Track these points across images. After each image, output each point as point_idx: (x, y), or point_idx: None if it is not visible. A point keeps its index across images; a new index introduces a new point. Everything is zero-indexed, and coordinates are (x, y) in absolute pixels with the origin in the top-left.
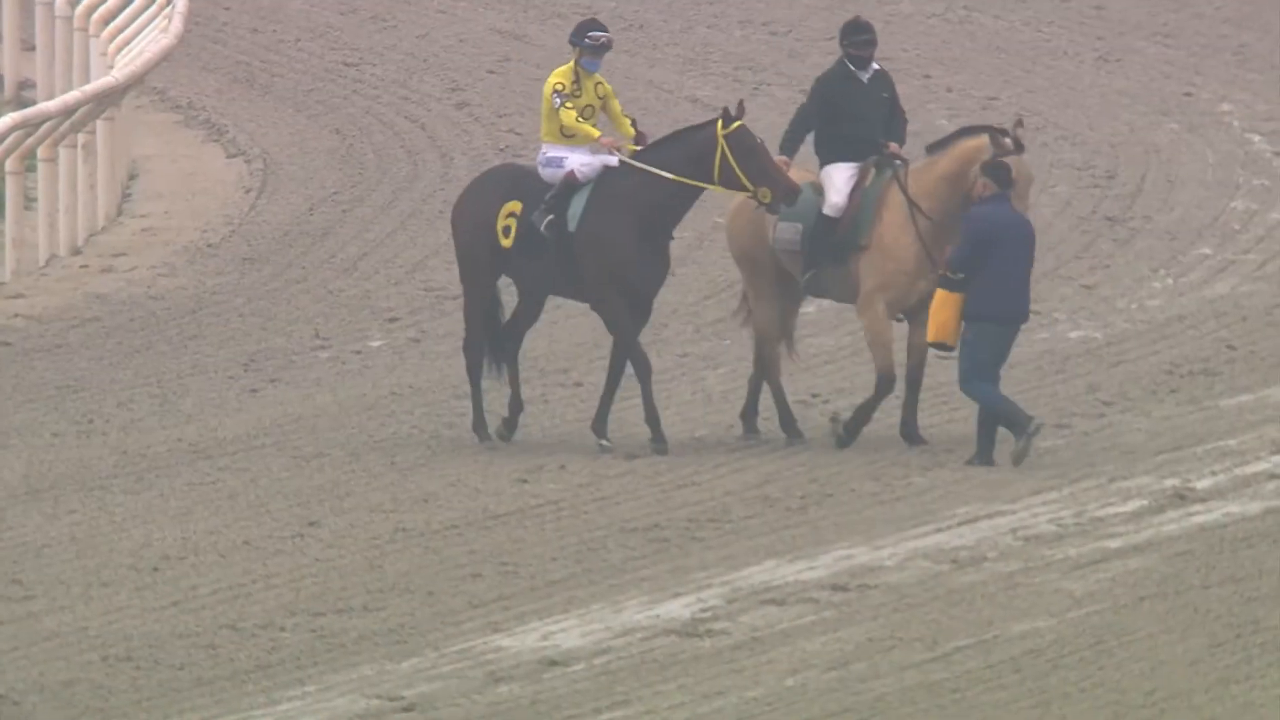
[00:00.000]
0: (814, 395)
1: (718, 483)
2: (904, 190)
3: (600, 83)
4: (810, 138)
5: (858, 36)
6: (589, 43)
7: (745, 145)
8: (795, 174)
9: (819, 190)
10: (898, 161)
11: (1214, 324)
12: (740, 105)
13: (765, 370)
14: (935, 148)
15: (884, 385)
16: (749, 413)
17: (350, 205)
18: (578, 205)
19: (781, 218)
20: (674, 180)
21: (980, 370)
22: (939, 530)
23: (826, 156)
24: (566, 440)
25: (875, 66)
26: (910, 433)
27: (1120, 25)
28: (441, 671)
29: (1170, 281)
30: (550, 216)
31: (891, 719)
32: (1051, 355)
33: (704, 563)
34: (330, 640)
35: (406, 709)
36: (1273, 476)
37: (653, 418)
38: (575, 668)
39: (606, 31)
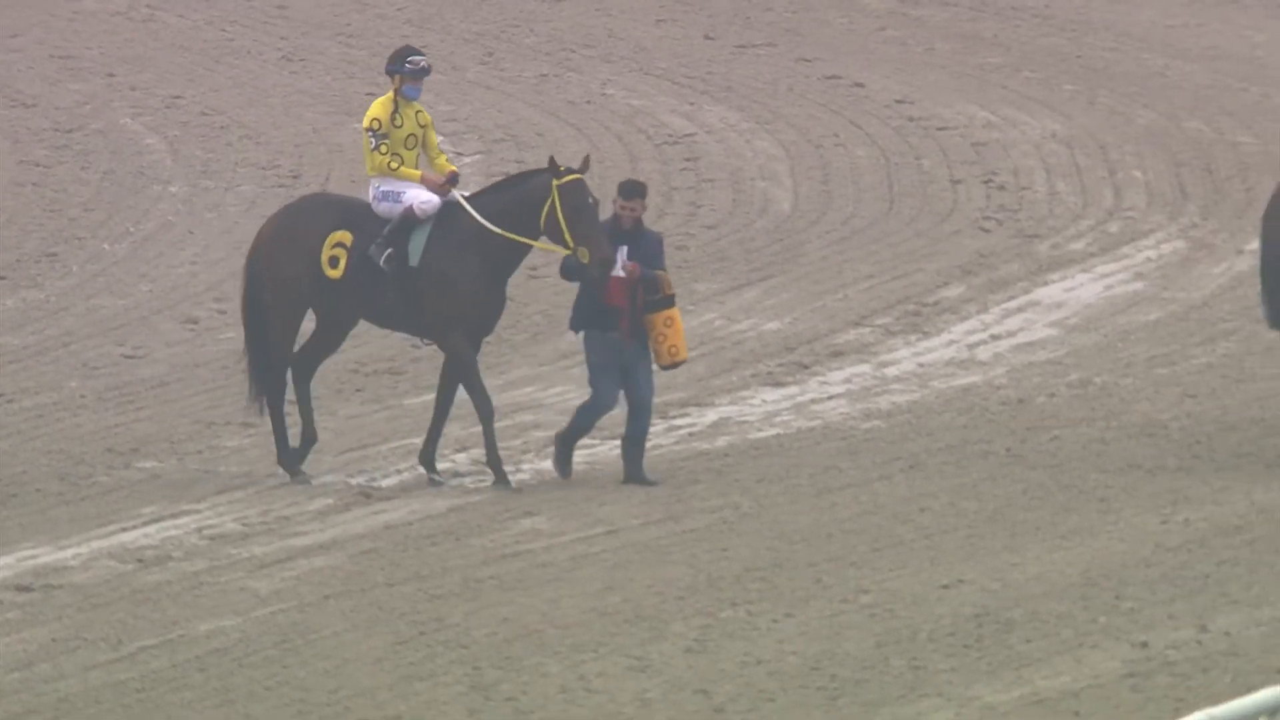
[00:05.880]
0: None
1: None
2: None
3: (420, 111)
4: None
5: None
6: (409, 68)
7: (575, 200)
8: None
9: None
10: None
11: None
12: (585, 160)
13: None
14: None
15: None
16: None
17: None
18: (419, 240)
19: None
20: (499, 234)
21: None
22: (124, 530)
23: None
24: None
25: None
26: None
27: (304, 25)
28: None
29: None
30: (389, 250)
31: None
32: (239, 355)
33: None
34: None
35: None
36: (455, 474)
37: (494, 459)
38: None
39: (424, 56)
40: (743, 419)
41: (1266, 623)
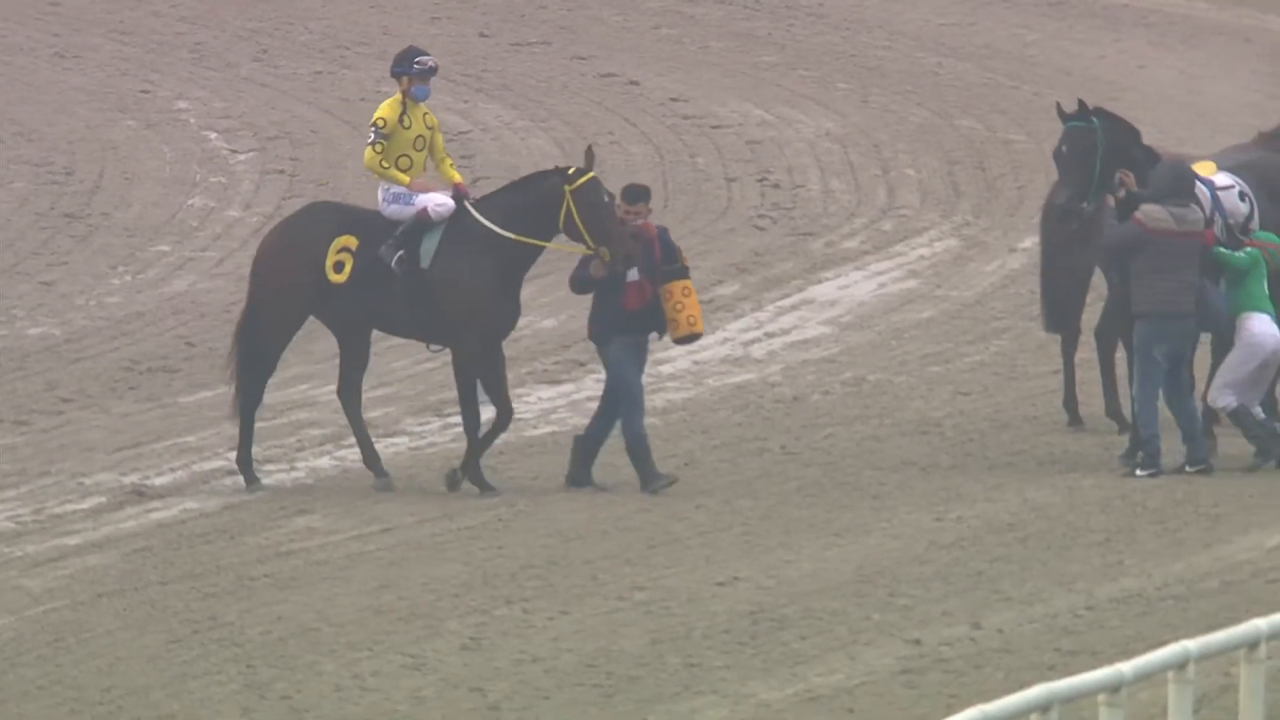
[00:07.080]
0: None
1: None
2: None
3: (428, 113)
4: None
5: None
6: (417, 68)
7: (591, 200)
8: None
9: None
10: None
11: (173, 320)
12: (589, 153)
13: None
14: None
15: None
16: None
17: None
18: (430, 243)
19: None
20: (513, 239)
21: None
22: None
23: None
24: None
25: None
26: None
27: (77, 21)
28: None
29: (129, 278)
30: (401, 252)
31: None
32: (11, 353)
33: None
34: None
35: None
36: (230, 473)
37: (475, 465)
38: None
39: (430, 55)
40: (518, 416)
41: (1039, 620)
